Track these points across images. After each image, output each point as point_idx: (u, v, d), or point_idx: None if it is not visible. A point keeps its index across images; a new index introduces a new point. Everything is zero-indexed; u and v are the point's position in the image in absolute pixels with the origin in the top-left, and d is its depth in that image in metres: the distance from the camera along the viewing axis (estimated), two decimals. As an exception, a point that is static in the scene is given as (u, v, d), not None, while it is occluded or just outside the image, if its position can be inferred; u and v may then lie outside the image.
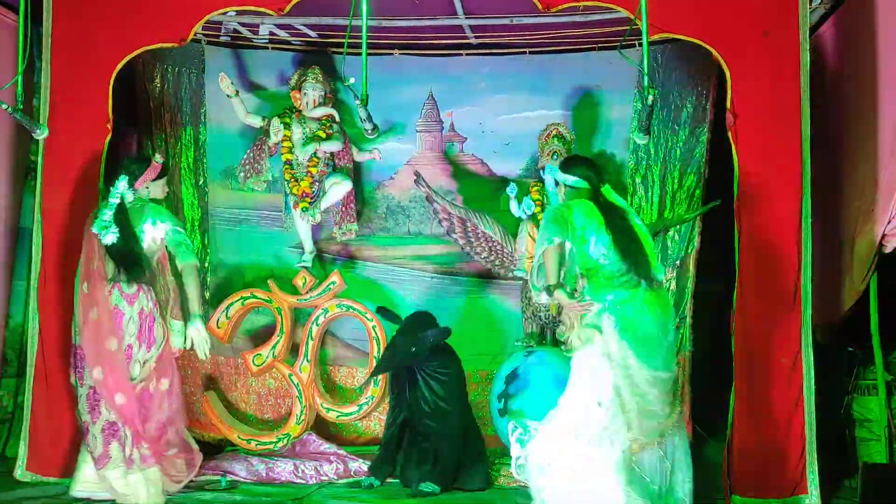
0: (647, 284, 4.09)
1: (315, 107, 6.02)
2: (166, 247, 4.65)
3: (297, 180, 5.97)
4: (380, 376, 5.72)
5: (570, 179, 4.32)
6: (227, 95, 5.88)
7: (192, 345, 4.69)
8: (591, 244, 4.10)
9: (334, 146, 6.02)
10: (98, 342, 4.46)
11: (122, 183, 4.61)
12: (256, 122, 6.03)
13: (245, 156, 6.09)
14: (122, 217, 4.54)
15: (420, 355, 5.12)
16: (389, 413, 5.35)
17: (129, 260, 4.52)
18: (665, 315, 4.14)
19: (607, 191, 4.29)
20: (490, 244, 5.94)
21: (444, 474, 5.00)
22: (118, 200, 4.56)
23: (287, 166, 5.99)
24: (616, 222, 4.15)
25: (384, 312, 5.48)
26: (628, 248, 4.10)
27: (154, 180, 4.75)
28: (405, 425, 5.21)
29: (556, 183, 4.46)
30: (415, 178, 6.14)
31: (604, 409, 4.01)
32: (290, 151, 5.98)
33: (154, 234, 4.60)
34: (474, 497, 4.96)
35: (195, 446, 4.84)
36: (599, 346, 4.05)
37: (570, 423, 4.09)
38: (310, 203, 5.94)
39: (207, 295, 6.30)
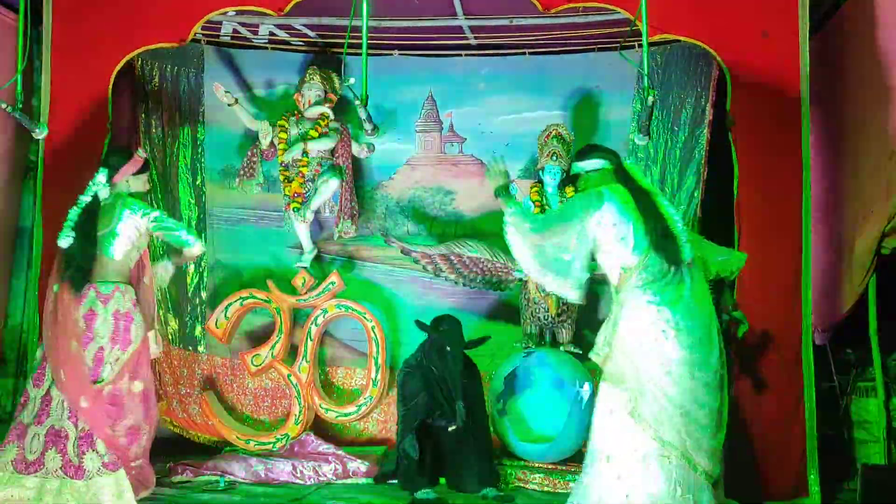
0: (687, 275, 3.83)
1: (310, 106, 6.02)
2: (157, 236, 4.57)
3: (289, 181, 5.97)
4: (379, 377, 5.72)
5: (591, 165, 4.13)
6: (227, 104, 5.87)
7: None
8: (628, 238, 3.86)
9: (324, 144, 5.98)
10: (64, 344, 4.33)
11: (100, 176, 4.53)
12: (264, 127, 6.00)
13: (243, 160, 6.11)
14: (88, 221, 4.44)
15: (458, 368, 4.98)
16: (407, 422, 4.99)
17: (76, 267, 4.39)
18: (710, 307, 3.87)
19: (631, 168, 4.08)
20: (480, 265, 5.93)
21: (460, 478, 4.98)
22: (89, 198, 4.47)
23: (282, 168, 5.99)
24: (646, 207, 3.89)
25: (420, 325, 5.24)
26: (664, 238, 3.84)
27: (136, 174, 4.66)
28: (422, 431, 4.99)
29: (566, 182, 4.23)
30: (384, 237, 6.13)
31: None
32: (286, 153, 5.98)
33: (137, 223, 4.49)
34: (475, 498, 4.96)
35: (150, 468, 4.60)
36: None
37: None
38: (301, 203, 5.93)
39: (205, 295, 6.30)
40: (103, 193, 4.52)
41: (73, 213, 4.45)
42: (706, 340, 3.78)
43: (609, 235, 3.90)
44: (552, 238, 3.97)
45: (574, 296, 4.01)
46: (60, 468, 4.24)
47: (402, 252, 6.06)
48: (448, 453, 5.04)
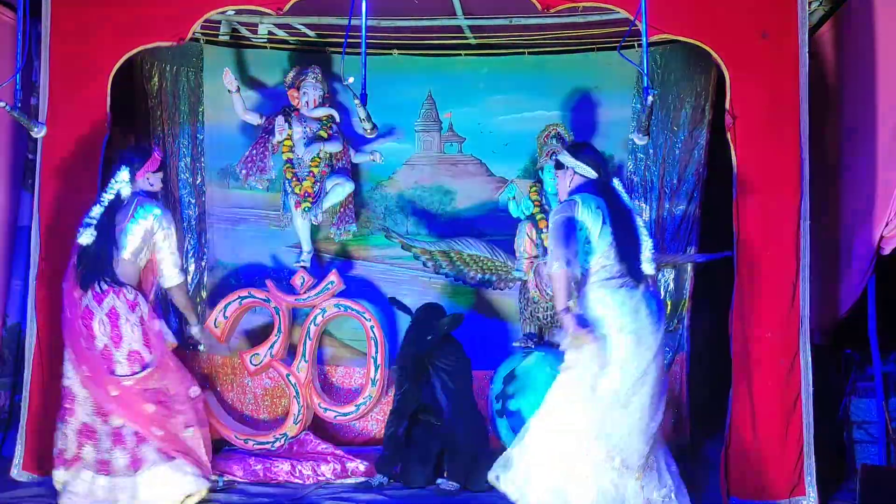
0: (643, 285, 4.08)
1: (315, 107, 6.01)
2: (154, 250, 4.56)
3: (299, 180, 5.93)
4: (378, 376, 5.72)
5: (580, 167, 4.23)
6: (228, 91, 5.86)
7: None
8: (594, 244, 4.07)
9: (335, 146, 6.00)
10: (77, 341, 4.39)
11: (122, 173, 4.52)
12: (254, 119, 6.01)
13: (247, 153, 6.01)
14: (108, 219, 4.45)
15: (434, 344, 5.15)
16: (396, 408, 5.32)
17: (90, 265, 4.41)
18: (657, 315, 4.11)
19: (616, 185, 4.24)
20: (480, 264, 5.91)
21: (459, 471, 5.01)
22: (113, 196, 4.48)
23: (288, 165, 5.96)
24: (620, 219, 4.11)
25: (396, 303, 5.52)
26: (628, 250, 4.07)
27: (154, 172, 4.68)
28: (413, 420, 5.19)
29: (559, 166, 4.33)
30: (385, 232, 6.08)
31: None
32: (292, 150, 5.96)
33: (146, 224, 4.49)
34: (478, 497, 4.95)
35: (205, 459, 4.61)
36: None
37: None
38: (312, 203, 5.92)
39: (205, 294, 6.30)
40: (126, 191, 4.53)
41: (96, 211, 4.45)
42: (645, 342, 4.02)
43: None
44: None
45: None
46: (128, 465, 4.31)
47: (402, 247, 6.03)
48: (415, 443, 5.14)
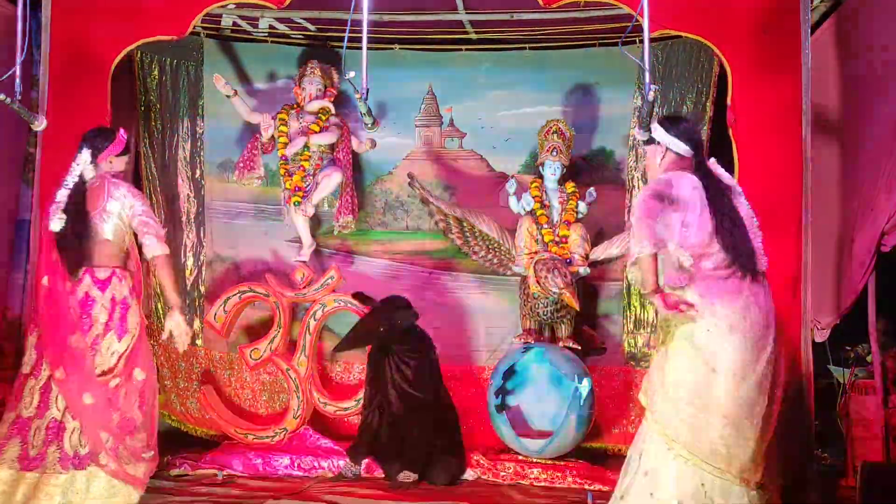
0: (753, 278, 3.60)
1: (311, 101, 6.00)
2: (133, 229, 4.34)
3: (290, 175, 5.95)
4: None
5: (677, 145, 3.72)
6: (226, 96, 5.86)
7: (171, 336, 4.38)
8: (692, 230, 3.55)
9: (325, 139, 5.96)
10: (60, 340, 4.17)
11: (83, 155, 4.34)
12: (259, 118, 6.00)
13: (242, 152, 6.07)
14: (77, 201, 4.26)
15: (390, 337, 5.19)
16: (365, 397, 5.40)
17: (71, 249, 4.22)
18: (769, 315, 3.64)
19: (714, 165, 3.79)
20: (487, 243, 5.90)
21: (415, 462, 5.03)
22: (76, 178, 4.30)
23: (282, 161, 5.97)
24: (721, 203, 3.60)
25: (360, 297, 5.55)
26: (732, 234, 3.59)
27: (118, 155, 4.49)
28: (382, 410, 5.24)
29: (650, 141, 3.80)
30: (408, 179, 6.06)
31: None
32: (286, 147, 5.96)
33: (121, 209, 4.30)
34: (476, 492, 4.96)
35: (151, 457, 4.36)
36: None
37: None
38: (302, 197, 5.92)
39: (204, 289, 6.29)
40: (88, 173, 4.36)
41: (61, 195, 4.27)
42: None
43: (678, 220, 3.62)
44: None
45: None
46: (58, 461, 4.10)
47: (421, 200, 6.04)
48: (385, 434, 5.19)
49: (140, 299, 4.42)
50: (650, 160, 3.88)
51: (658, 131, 3.80)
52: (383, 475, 5.15)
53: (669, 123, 3.81)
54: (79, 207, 4.26)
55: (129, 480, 4.19)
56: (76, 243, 4.23)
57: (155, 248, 4.32)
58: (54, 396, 4.16)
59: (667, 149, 3.77)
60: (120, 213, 4.31)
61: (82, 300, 4.23)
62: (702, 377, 3.55)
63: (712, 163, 3.79)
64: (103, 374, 4.19)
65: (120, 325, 4.25)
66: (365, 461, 5.25)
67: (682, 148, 3.74)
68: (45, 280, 4.27)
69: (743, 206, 3.71)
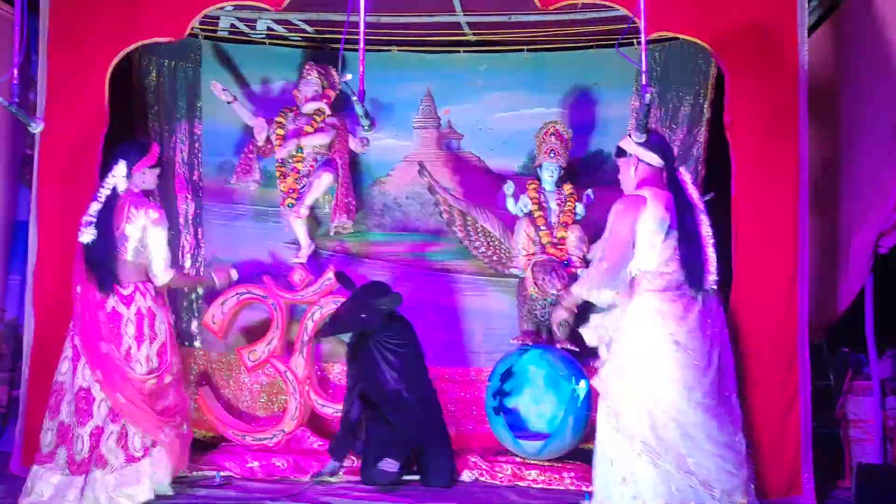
0: (701, 295, 3.76)
1: (306, 103, 6.00)
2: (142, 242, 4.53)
3: (284, 177, 5.95)
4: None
5: (650, 156, 3.85)
6: (226, 102, 5.86)
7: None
8: (657, 249, 3.70)
9: (319, 140, 5.95)
10: (92, 345, 4.38)
11: (119, 168, 4.47)
12: (260, 124, 6.00)
13: (240, 157, 6.08)
14: (106, 215, 4.41)
15: (371, 323, 5.11)
16: (347, 387, 5.34)
17: (100, 266, 4.39)
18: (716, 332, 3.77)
19: (683, 175, 3.89)
20: (489, 239, 5.92)
21: (403, 451, 4.98)
22: (110, 191, 4.44)
23: (278, 163, 5.98)
24: (686, 220, 3.76)
25: (342, 278, 5.45)
26: (692, 255, 3.73)
27: (151, 167, 4.64)
28: (363, 400, 5.19)
29: (621, 153, 3.91)
30: (419, 167, 6.09)
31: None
32: (279, 149, 5.96)
33: (141, 235, 4.48)
34: (473, 493, 4.96)
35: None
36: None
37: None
38: (296, 199, 5.92)
39: (202, 290, 6.29)
40: (122, 186, 4.50)
41: (94, 208, 4.42)
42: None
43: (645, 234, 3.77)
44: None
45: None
46: (102, 463, 4.31)
47: (428, 189, 6.08)
48: (367, 425, 5.15)
49: (166, 305, 4.68)
50: (623, 172, 3.96)
51: (629, 144, 3.87)
52: (360, 465, 5.10)
53: (643, 136, 3.89)
54: (106, 224, 4.40)
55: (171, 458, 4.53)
56: (102, 261, 4.40)
57: (161, 277, 4.57)
58: (97, 405, 4.37)
59: (639, 160, 3.85)
60: (140, 237, 4.48)
61: (111, 314, 4.44)
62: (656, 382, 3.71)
63: (682, 172, 3.88)
64: (141, 378, 4.41)
65: (149, 333, 4.49)
66: (347, 460, 5.22)
67: (654, 159, 3.83)
68: (78, 288, 4.47)
69: (704, 224, 3.84)
